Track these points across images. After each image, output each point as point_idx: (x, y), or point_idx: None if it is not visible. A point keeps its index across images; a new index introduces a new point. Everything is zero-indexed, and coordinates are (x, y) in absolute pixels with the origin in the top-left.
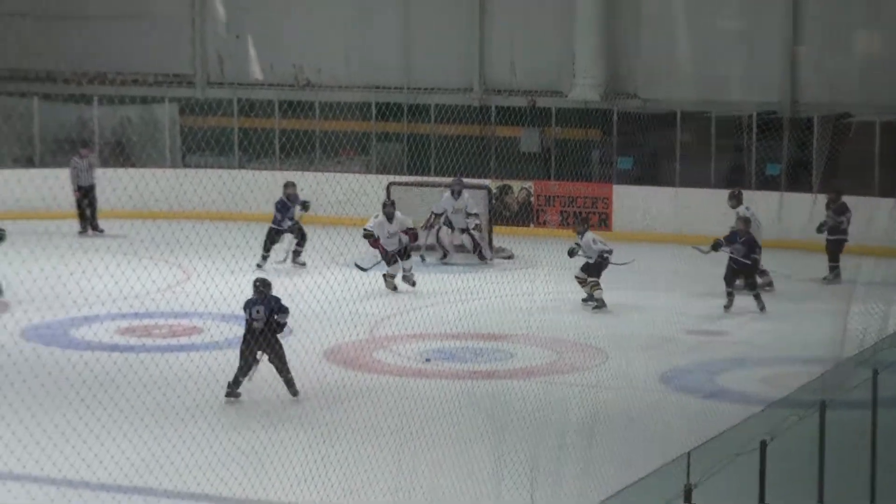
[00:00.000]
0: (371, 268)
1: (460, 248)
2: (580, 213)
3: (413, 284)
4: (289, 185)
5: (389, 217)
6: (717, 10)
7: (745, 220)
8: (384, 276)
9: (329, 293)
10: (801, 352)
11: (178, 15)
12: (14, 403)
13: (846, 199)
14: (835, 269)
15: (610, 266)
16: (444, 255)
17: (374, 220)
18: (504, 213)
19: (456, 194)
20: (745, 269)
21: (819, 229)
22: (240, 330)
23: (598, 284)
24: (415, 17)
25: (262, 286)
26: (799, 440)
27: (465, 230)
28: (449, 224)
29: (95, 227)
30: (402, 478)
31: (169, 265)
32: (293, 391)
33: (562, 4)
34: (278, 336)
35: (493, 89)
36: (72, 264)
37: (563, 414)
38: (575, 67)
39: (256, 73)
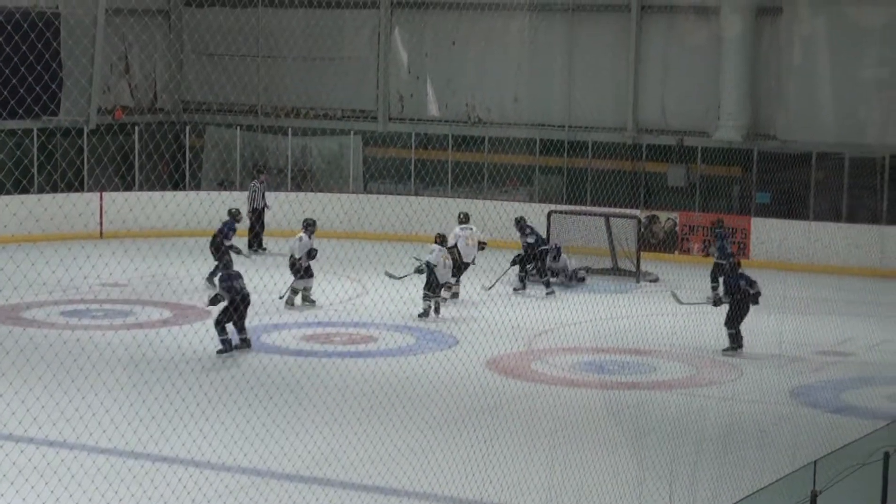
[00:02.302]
0: (403, 277)
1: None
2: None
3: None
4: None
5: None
6: (857, 61)
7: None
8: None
9: (493, 310)
10: None
11: (365, 58)
12: (212, 401)
13: None
14: (715, 290)
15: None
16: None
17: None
18: (651, 240)
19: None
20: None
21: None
22: (410, 339)
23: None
24: (577, 63)
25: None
26: None
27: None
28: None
29: (261, 245)
30: (553, 476)
31: (350, 280)
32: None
33: (710, 54)
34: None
35: (645, 129)
36: (265, 278)
37: (700, 423)
38: (720, 111)
39: (433, 110)
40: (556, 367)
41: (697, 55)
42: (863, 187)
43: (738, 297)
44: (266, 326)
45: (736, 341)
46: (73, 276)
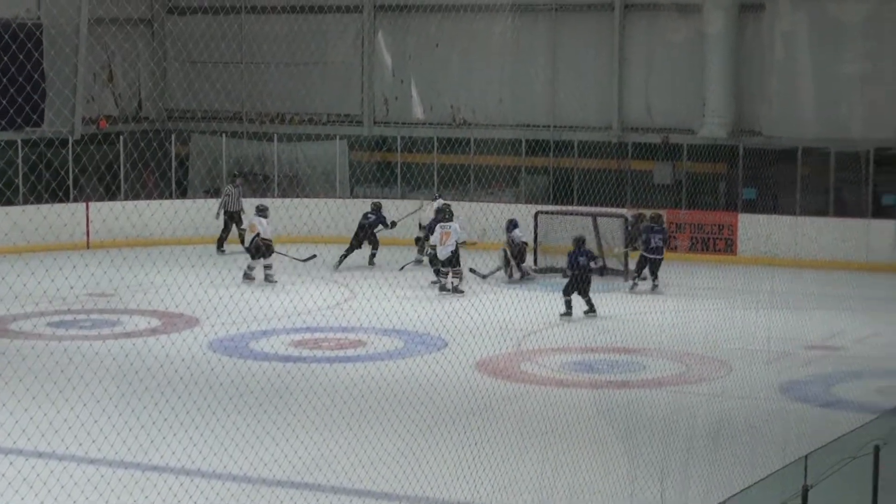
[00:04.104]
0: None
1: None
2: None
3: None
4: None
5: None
6: (839, 56)
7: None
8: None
9: (482, 311)
10: None
11: (349, 62)
12: (202, 409)
13: None
14: (635, 279)
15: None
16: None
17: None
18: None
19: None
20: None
21: (635, 246)
22: (399, 342)
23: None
24: (561, 63)
25: None
26: None
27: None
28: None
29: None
30: (544, 477)
31: (337, 285)
32: None
33: (693, 52)
34: None
35: (630, 127)
36: (252, 284)
37: (691, 420)
38: (705, 108)
39: (418, 113)
40: (546, 367)
41: (681, 53)
42: (848, 181)
43: (576, 272)
44: (254, 333)
45: (569, 308)
46: (60, 286)
